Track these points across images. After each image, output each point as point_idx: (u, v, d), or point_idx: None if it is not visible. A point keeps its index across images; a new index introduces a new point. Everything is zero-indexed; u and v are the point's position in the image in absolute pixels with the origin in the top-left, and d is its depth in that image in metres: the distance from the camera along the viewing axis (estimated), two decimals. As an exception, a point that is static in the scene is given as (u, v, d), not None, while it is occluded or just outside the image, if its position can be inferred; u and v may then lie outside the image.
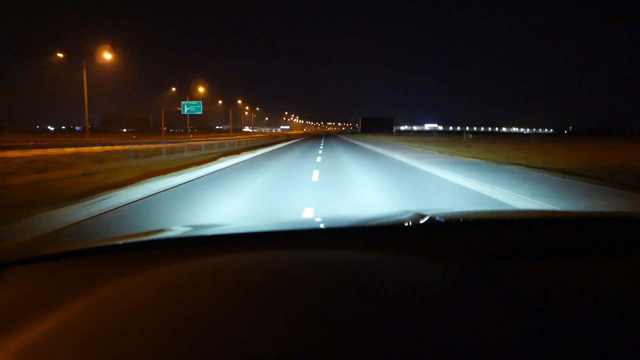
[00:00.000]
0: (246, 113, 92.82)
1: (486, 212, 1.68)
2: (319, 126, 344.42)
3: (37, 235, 4.50)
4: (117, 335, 0.51)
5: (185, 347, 0.47)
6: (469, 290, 0.64)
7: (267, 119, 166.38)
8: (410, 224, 1.02)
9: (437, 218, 1.03)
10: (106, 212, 5.63)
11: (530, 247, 0.88)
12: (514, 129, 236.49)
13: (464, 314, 0.55)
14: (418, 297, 0.61)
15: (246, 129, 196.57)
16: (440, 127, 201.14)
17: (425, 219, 1.02)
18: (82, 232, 4.79)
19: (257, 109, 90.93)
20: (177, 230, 1.15)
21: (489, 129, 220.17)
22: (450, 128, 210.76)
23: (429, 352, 0.46)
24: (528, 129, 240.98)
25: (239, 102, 67.94)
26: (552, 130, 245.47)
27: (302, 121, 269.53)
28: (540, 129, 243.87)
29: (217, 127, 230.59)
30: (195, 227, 1.21)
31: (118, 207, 6.00)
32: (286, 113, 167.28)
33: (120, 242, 0.97)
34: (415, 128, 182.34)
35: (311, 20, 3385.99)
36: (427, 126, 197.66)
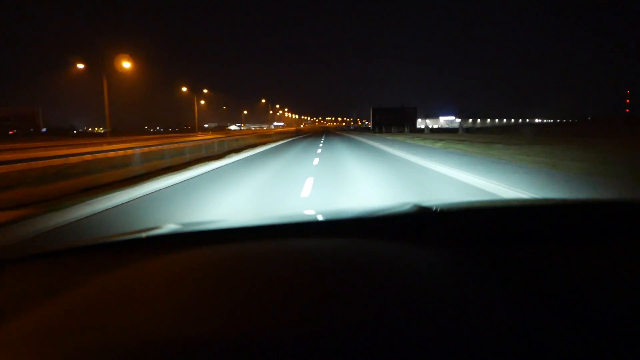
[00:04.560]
0: (202, 102, 67.43)
1: (485, 202, 1.69)
2: (317, 122, 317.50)
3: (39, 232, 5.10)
4: (110, 322, 0.52)
5: (175, 331, 0.48)
6: (465, 275, 0.64)
7: (245, 112, 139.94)
8: (408, 214, 1.03)
9: (434, 208, 1.03)
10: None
11: (527, 233, 0.88)
12: (537, 120, 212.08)
13: (460, 297, 0.56)
14: (415, 282, 0.62)
15: (233, 127, 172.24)
16: (458, 120, 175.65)
17: (424, 209, 1.02)
18: (79, 230, 5.24)
19: (206, 91, 62.76)
20: (172, 227, 1.15)
21: (512, 120, 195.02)
22: (470, 120, 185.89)
23: (426, 335, 0.47)
24: (551, 120, 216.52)
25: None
26: (576, 120, 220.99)
27: (297, 116, 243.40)
28: (562, 119, 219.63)
29: (205, 125, 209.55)
30: (197, 222, 1.22)
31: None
32: (277, 106, 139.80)
33: (116, 239, 1.00)
34: (428, 121, 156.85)
35: (309, 9, 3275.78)
36: (443, 119, 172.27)
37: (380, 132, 70.58)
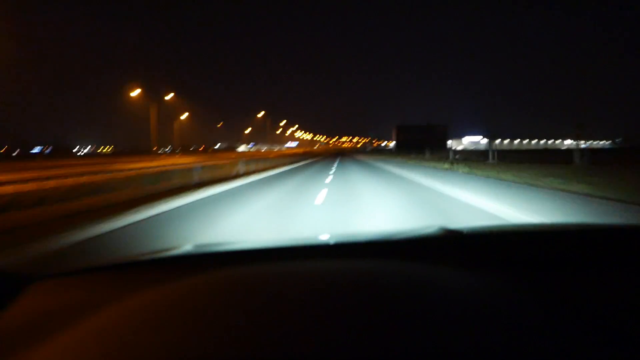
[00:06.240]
0: (185, 115, 56.56)
1: (512, 226, 1.77)
2: (332, 143, 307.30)
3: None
4: (139, 341, 0.53)
5: (202, 348, 0.49)
6: (499, 299, 0.65)
7: (248, 130, 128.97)
8: (435, 237, 1.03)
9: (462, 231, 1.03)
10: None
11: (557, 258, 0.89)
12: (567, 142, 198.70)
13: (496, 321, 0.56)
14: (447, 304, 0.61)
15: (242, 148, 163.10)
16: (484, 141, 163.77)
17: (451, 232, 1.02)
18: (107, 246, 5.52)
19: (170, 97, 50.58)
20: (188, 248, 1.16)
21: (542, 141, 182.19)
22: (498, 142, 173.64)
23: (459, 353, 0.47)
24: (581, 142, 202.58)
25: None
26: (605, 142, 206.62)
27: (311, 136, 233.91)
28: (592, 141, 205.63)
29: (216, 147, 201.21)
30: (214, 244, 1.25)
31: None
32: (282, 123, 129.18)
33: (140, 258, 1.03)
34: (451, 142, 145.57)
35: (327, 23, 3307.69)
36: (466, 140, 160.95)
37: (398, 154, 59.15)
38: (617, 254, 0.92)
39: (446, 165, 23.81)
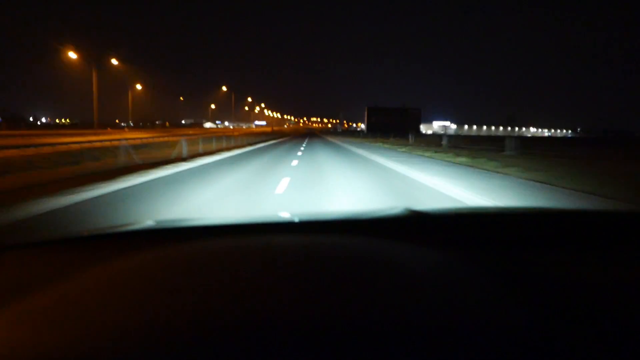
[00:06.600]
0: (139, 87, 52.66)
1: (474, 208, 1.79)
2: (302, 123, 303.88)
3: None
4: (101, 310, 0.54)
5: (164, 318, 0.50)
6: (458, 276, 0.67)
7: (214, 106, 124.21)
8: (400, 216, 1.05)
9: (426, 212, 1.06)
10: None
11: (516, 238, 0.93)
12: (532, 129, 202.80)
13: (450, 298, 0.57)
14: (408, 279, 0.63)
15: (208, 124, 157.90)
16: (454, 126, 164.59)
17: (416, 213, 1.05)
18: (75, 217, 5.11)
19: (115, 61, 46.44)
20: (150, 223, 1.17)
21: (509, 129, 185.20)
22: (466, 127, 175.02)
23: (417, 327, 0.48)
24: (546, 130, 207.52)
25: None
26: (570, 131, 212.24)
27: (280, 116, 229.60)
28: (558, 130, 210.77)
29: (182, 122, 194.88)
30: (177, 220, 1.25)
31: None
32: (248, 99, 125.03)
33: (108, 231, 1.05)
34: (421, 127, 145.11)
35: (298, 6, 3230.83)
36: (436, 124, 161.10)
37: (374, 137, 57.01)
38: (575, 236, 0.96)
39: (462, 159, 15.89)
